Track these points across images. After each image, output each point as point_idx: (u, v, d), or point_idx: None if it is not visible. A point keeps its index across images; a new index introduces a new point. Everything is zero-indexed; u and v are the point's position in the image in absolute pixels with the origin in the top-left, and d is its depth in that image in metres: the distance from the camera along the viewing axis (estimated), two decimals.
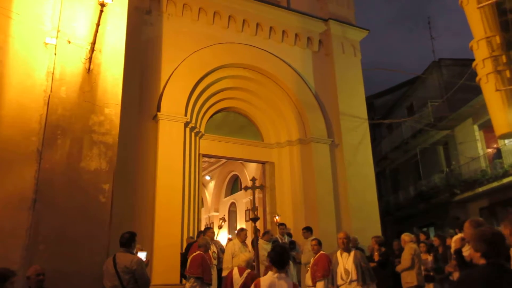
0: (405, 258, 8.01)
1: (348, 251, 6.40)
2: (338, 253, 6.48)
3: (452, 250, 7.05)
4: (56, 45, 7.04)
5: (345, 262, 6.29)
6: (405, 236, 8.52)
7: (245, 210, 18.16)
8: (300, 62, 13.54)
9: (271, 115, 13.42)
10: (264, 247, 8.98)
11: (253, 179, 9.13)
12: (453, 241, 7.45)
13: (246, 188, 9.18)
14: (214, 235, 10.13)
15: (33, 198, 6.27)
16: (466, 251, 5.59)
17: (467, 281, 3.03)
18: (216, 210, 20.66)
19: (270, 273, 4.22)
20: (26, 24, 6.93)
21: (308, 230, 10.12)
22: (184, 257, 8.96)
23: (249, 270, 6.38)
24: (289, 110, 13.19)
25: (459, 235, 7.16)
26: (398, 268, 8.18)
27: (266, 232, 9.99)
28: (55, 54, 7.01)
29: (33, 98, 6.71)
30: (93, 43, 6.98)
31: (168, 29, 11.63)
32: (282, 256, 4.24)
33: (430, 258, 9.27)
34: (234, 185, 20.44)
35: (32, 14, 7.01)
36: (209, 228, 9.90)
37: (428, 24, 23.46)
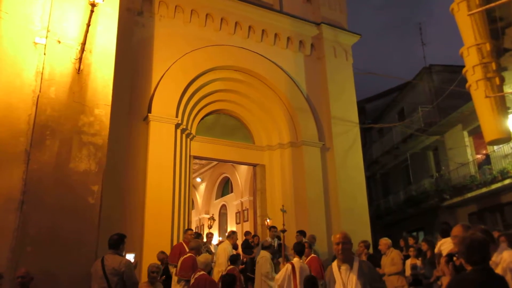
0: (397, 262, 8.05)
1: (350, 262, 4.30)
2: (334, 265, 4.43)
3: (439, 254, 7.08)
4: (45, 45, 6.98)
5: (346, 279, 4.22)
6: (386, 241, 8.56)
7: (236, 213, 18.11)
8: (292, 66, 13.57)
9: (263, 118, 13.42)
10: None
11: None
12: (438, 247, 7.49)
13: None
14: (193, 235, 9.78)
15: (21, 199, 6.20)
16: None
17: (459, 286, 3.09)
18: (207, 212, 20.58)
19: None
20: (15, 24, 6.86)
21: (301, 233, 10.10)
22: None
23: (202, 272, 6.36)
24: (281, 113, 13.20)
25: (443, 240, 7.20)
26: (389, 271, 8.19)
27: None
28: (44, 54, 6.95)
29: (21, 98, 6.64)
30: (83, 43, 6.93)
31: (160, 31, 11.59)
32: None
33: (418, 262, 9.31)
34: (225, 187, 20.40)
35: (22, 14, 6.95)
36: (189, 229, 9.71)
37: (419, 30, 23.48)
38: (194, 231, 10.41)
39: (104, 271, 5.43)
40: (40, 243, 6.16)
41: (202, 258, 6.68)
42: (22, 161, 6.37)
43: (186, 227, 10.95)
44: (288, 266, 6.73)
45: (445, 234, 7.17)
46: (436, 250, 7.86)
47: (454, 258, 3.99)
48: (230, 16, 12.75)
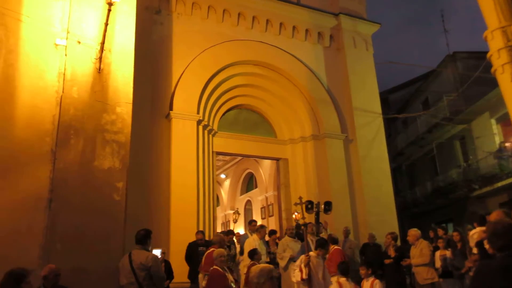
0: (425, 254, 7.90)
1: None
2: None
3: (471, 244, 6.90)
4: (66, 46, 7.07)
5: None
6: (415, 232, 8.39)
7: (261, 208, 18.13)
8: (312, 58, 13.46)
9: (284, 112, 13.36)
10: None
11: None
12: (470, 236, 7.29)
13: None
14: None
15: (49, 198, 6.31)
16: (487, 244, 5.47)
17: (484, 270, 3.01)
18: (232, 208, 20.68)
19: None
20: (36, 27, 6.98)
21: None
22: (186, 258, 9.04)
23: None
24: (302, 106, 13.12)
25: (478, 229, 7.01)
26: (416, 262, 8.04)
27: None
28: (65, 55, 7.05)
29: (45, 99, 6.75)
30: (102, 43, 7.00)
31: (178, 28, 11.67)
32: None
33: (448, 253, 9.11)
34: (249, 183, 20.44)
35: (42, 16, 7.06)
36: (198, 232, 9.73)
37: (441, 18, 22.97)
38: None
39: (132, 266, 5.51)
40: (69, 240, 6.26)
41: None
42: (48, 161, 6.49)
43: (211, 223, 11.03)
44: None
45: (482, 223, 6.99)
46: (472, 240, 7.68)
47: (485, 245, 3.92)
48: (247, 10, 12.73)
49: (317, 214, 7.34)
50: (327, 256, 7.47)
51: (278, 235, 11.08)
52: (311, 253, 6.85)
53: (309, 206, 7.91)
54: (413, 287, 8.96)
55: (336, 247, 7.61)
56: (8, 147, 6.31)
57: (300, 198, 7.02)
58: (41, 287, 5.03)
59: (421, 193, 20.44)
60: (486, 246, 5.54)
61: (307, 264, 6.43)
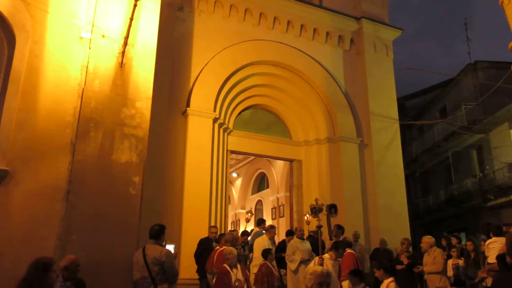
0: (439, 261, 7.85)
1: None
2: None
3: (488, 254, 6.82)
4: (90, 40, 7.15)
5: None
6: (429, 239, 8.32)
7: (272, 208, 18.13)
8: (331, 61, 13.40)
9: (300, 113, 13.33)
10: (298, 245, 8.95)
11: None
12: (486, 245, 7.21)
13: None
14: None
15: (67, 189, 6.39)
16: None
17: (503, 281, 3.04)
18: (243, 208, 20.72)
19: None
20: (62, 19, 7.06)
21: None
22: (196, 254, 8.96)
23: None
24: (318, 108, 13.08)
25: (494, 239, 6.94)
26: (429, 270, 7.97)
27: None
28: (89, 48, 7.12)
29: (67, 91, 6.83)
30: (127, 37, 7.06)
31: (200, 26, 11.71)
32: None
33: (461, 262, 9.03)
34: (261, 183, 20.45)
35: (68, 9, 7.15)
36: (213, 227, 9.69)
37: (464, 26, 22.71)
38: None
39: (146, 260, 5.57)
40: (84, 231, 6.33)
41: None
42: (68, 152, 6.57)
43: (223, 221, 11.05)
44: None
45: (497, 233, 6.92)
46: (483, 249, 7.60)
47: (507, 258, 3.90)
48: (269, 11, 12.72)
49: (328, 217, 7.32)
50: (339, 259, 7.45)
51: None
52: (325, 255, 6.84)
53: (313, 210, 7.92)
54: None
55: (349, 250, 7.58)
56: (29, 138, 6.41)
57: (316, 200, 6.99)
58: (59, 277, 5.07)
59: (434, 201, 20.29)
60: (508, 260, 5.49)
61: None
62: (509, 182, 15.31)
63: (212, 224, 10.27)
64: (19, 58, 6.62)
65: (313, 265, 6.58)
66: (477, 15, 53.58)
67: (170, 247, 6.69)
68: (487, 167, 17.11)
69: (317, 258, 6.76)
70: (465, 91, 19.36)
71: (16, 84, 6.51)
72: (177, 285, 6.66)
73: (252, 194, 20.92)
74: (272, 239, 9.76)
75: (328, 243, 9.79)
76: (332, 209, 8.99)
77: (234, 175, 21.54)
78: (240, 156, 18.55)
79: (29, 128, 6.45)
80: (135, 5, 6.60)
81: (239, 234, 10.28)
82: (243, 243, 9.63)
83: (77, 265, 5.29)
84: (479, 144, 18.25)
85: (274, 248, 9.38)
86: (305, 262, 8.71)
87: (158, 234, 5.86)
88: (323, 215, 7.62)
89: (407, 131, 22.95)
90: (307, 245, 9.15)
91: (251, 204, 20.51)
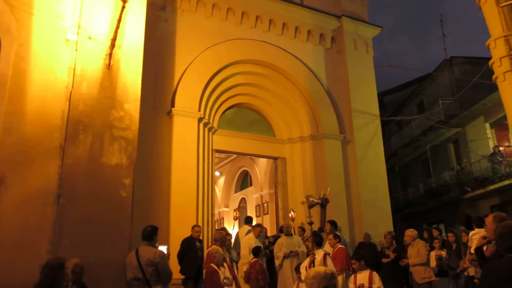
0: (422, 253, 8.10)
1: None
2: None
3: (471, 244, 7.08)
4: (77, 41, 7.11)
5: None
6: (412, 232, 8.59)
7: (256, 206, 18.23)
8: (313, 59, 13.57)
9: (283, 111, 13.46)
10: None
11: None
12: (470, 236, 7.48)
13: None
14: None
15: (57, 193, 6.36)
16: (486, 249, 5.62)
17: (492, 271, 3.19)
18: (226, 206, 20.77)
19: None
20: (47, 21, 6.99)
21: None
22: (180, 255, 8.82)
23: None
24: (301, 106, 13.23)
25: (476, 230, 7.21)
26: (414, 262, 8.23)
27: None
28: (76, 50, 7.08)
29: (55, 94, 6.78)
30: (114, 39, 7.05)
31: (182, 25, 11.68)
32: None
33: (443, 253, 9.34)
34: (244, 181, 20.52)
35: (54, 11, 7.08)
36: (197, 226, 9.69)
37: (440, 22, 23.25)
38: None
39: (139, 262, 5.59)
40: (76, 235, 6.32)
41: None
42: (57, 156, 6.53)
43: (210, 220, 11.10)
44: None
45: (480, 224, 7.19)
46: (464, 240, 7.89)
47: (484, 248, 4.17)
48: (251, 10, 12.78)
49: (322, 212, 7.44)
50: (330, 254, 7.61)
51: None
52: (317, 250, 6.98)
53: (311, 206, 7.98)
54: (410, 286, 9.16)
55: (340, 245, 7.75)
56: (18, 142, 6.35)
57: (307, 197, 7.12)
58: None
59: (414, 194, 20.73)
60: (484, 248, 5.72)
61: (312, 263, 6.56)
62: (485, 174, 15.80)
63: (200, 223, 10.32)
64: (5, 61, 6.55)
65: (307, 263, 6.71)
66: (452, 11, 54.72)
67: (163, 248, 6.73)
68: (464, 160, 17.60)
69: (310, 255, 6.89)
70: (442, 87, 19.84)
71: (3, 88, 6.44)
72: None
73: (235, 192, 20.97)
74: (259, 237, 9.89)
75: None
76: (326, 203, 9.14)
77: (217, 173, 21.54)
78: (223, 155, 18.57)
79: (17, 132, 6.39)
80: (123, 7, 6.60)
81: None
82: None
83: (81, 268, 5.30)
84: (456, 138, 18.74)
85: (262, 246, 9.54)
86: (292, 255, 8.95)
87: (151, 235, 5.88)
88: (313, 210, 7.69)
89: (386, 126, 23.34)
90: (294, 240, 9.34)
91: (234, 202, 20.57)
